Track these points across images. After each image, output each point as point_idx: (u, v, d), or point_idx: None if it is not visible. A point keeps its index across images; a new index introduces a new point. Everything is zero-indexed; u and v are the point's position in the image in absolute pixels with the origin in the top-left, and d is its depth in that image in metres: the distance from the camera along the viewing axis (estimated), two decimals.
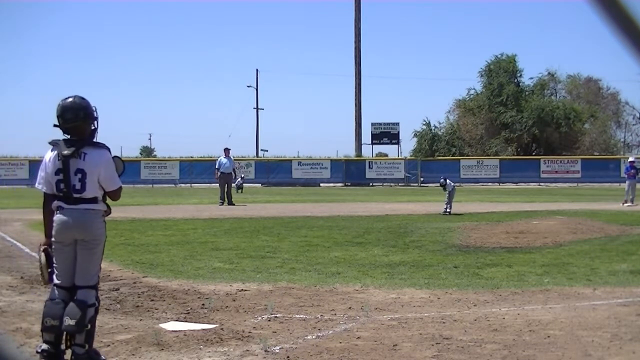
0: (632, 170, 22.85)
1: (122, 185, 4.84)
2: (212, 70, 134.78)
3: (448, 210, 18.48)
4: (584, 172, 45.29)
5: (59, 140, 4.66)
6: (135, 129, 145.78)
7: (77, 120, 4.61)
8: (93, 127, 4.74)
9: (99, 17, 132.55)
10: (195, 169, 47.92)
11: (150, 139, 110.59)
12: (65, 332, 4.54)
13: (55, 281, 4.66)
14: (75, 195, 4.57)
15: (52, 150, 4.67)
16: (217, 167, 23.36)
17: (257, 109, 67.89)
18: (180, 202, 25.75)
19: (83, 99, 4.71)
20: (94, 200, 4.63)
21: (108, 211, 4.82)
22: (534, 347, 5.10)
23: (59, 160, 4.59)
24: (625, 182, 23.89)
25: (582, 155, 49.98)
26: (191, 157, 54.93)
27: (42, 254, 4.70)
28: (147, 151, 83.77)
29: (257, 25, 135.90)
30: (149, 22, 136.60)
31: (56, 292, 4.62)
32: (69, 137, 4.65)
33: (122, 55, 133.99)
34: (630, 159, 25.17)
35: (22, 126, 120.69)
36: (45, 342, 4.54)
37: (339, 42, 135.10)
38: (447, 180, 19.23)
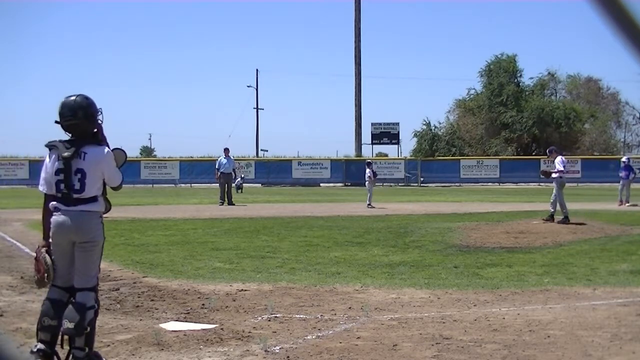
0: (624, 172, 22.93)
1: (122, 183, 4.86)
2: (212, 70, 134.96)
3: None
4: (584, 172, 45.25)
5: (56, 141, 4.62)
6: (135, 129, 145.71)
7: (74, 119, 4.55)
8: (95, 130, 4.67)
9: (99, 17, 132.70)
10: (195, 169, 47.92)
11: (150, 139, 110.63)
12: (62, 334, 4.52)
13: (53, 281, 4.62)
14: (75, 196, 4.54)
15: (50, 152, 4.64)
16: (217, 167, 23.52)
17: (257, 109, 67.98)
18: (180, 202, 25.74)
19: (87, 99, 4.64)
20: (93, 199, 4.58)
21: (108, 207, 4.76)
22: (534, 347, 5.10)
23: (59, 160, 4.55)
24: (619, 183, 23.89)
25: (582, 155, 49.96)
26: (191, 157, 54.91)
27: (47, 255, 4.61)
28: (147, 151, 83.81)
29: (257, 25, 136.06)
30: (149, 22, 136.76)
31: (55, 292, 4.59)
32: (68, 135, 4.61)
33: (122, 55, 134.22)
34: (623, 159, 25.22)
35: (22, 126, 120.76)
36: (40, 341, 4.48)
37: (339, 42, 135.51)
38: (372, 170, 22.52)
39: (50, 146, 4.64)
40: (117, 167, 4.74)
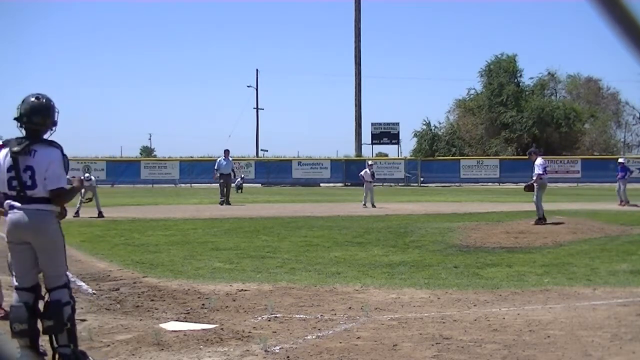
0: (620, 173, 23.08)
1: (65, 194, 4.56)
2: (212, 70, 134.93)
3: (370, 203, 21.65)
4: (584, 172, 45.31)
5: (12, 139, 4.55)
6: (135, 129, 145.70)
7: (42, 126, 4.52)
8: (50, 131, 4.61)
9: (99, 17, 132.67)
10: (195, 169, 47.91)
11: (150, 139, 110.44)
12: (41, 335, 4.49)
13: (15, 283, 4.58)
14: (28, 193, 4.44)
15: (4, 149, 4.57)
16: (215, 168, 24.02)
17: (257, 109, 67.93)
18: (180, 202, 25.75)
19: (51, 101, 4.57)
20: (47, 199, 4.48)
21: (63, 213, 4.66)
22: (534, 347, 5.10)
23: (10, 157, 4.48)
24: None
25: (582, 155, 49.98)
26: (191, 157, 54.93)
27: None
28: (147, 151, 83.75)
29: (257, 25, 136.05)
30: (149, 22, 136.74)
31: (20, 295, 4.53)
32: (23, 133, 4.53)
33: (122, 55, 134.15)
34: (620, 160, 25.34)
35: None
36: (21, 347, 4.46)
37: (339, 42, 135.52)
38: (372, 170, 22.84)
39: (5, 142, 4.59)
40: (64, 172, 4.56)
